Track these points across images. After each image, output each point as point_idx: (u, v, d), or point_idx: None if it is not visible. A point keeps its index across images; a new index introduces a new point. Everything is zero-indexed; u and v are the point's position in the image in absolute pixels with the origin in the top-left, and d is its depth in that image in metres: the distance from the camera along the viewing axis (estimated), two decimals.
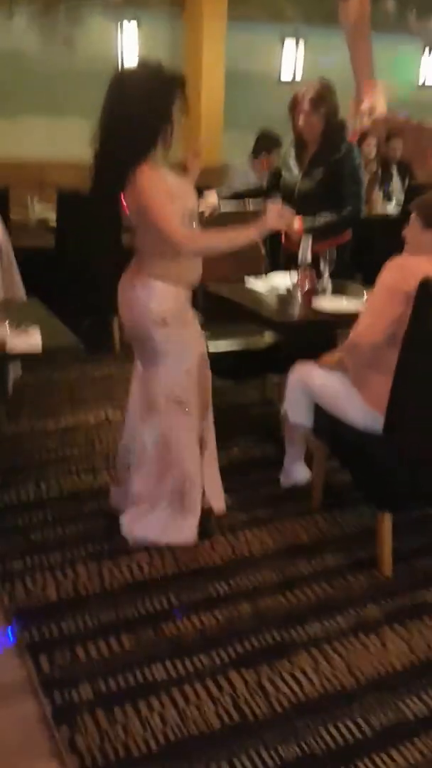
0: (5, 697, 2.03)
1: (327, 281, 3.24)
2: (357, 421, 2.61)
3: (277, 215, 2.47)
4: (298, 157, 3.63)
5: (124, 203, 2.44)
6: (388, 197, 6.07)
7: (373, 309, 2.52)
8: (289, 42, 6.63)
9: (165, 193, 2.39)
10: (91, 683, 2.05)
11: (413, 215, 2.53)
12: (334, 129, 3.50)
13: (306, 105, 3.46)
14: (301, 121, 3.50)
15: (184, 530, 2.66)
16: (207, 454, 2.74)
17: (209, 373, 2.74)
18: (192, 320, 2.64)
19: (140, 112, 2.33)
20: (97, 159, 2.42)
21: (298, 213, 2.84)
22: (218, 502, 2.81)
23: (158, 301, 2.50)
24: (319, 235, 3.31)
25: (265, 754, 1.85)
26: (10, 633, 2.25)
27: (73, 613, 2.31)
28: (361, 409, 2.60)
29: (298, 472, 3.05)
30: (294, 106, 3.53)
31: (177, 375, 2.59)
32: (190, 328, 2.63)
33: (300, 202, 3.43)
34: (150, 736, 1.89)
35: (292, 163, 3.65)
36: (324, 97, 3.47)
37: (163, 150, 2.42)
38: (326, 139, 3.51)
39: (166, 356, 2.57)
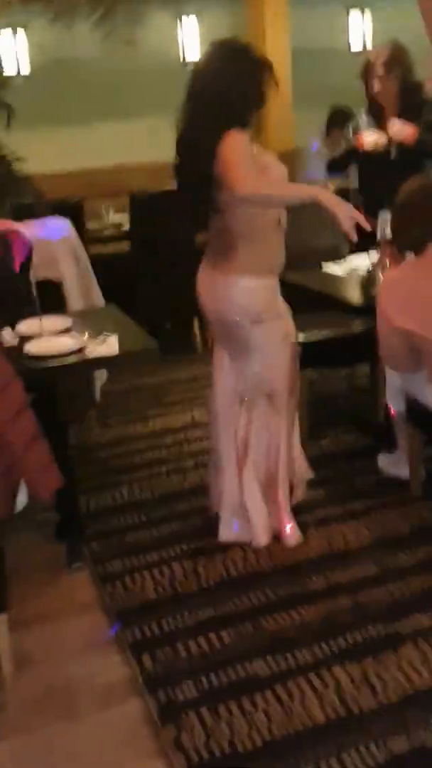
0: (111, 696, 2.14)
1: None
2: None
3: (348, 213, 2.34)
4: (379, 125, 3.57)
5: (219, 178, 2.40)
6: None
7: None
8: (355, 12, 6.57)
9: (247, 154, 2.37)
10: (194, 680, 2.12)
11: None
12: (411, 89, 3.47)
13: (379, 69, 3.43)
14: (376, 87, 3.47)
15: (284, 528, 2.70)
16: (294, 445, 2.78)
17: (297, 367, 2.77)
18: (284, 310, 2.65)
19: (232, 80, 2.37)
20: (184, 139, 2.46)
21: (394, 179, 2.79)
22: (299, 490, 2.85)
23: (249, 298, 2.53)
24: None
25: (374, 748, 1.87)
26: (112, 633, 2.35)
27: (172, 610, 2.40)
28: None
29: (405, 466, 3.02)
30: (366, 71, 3.50)
31: (271, 368, 2.62)
32: (283, 320, 2.64)
33: (396, 167, 3.38)
34: (255, 732, 1.94)
35: (370, 132, 3.60)
36: (397, 58, 3.44)
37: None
38: (405, 101, 3.47)
39: (259, 350, 2.61)
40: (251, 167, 2.36)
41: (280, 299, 2.66)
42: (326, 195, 2.38)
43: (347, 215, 2.33)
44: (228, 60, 2.43)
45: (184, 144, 2.48)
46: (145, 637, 2.31)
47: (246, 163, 2.34)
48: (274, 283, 2.62)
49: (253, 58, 2.45)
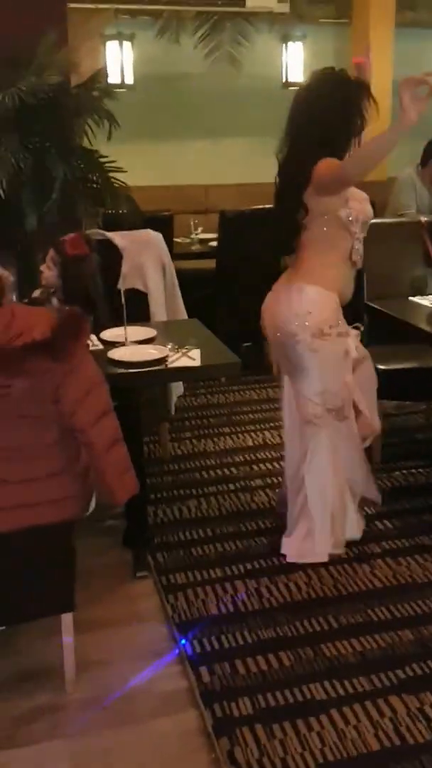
0: (167, 706, 2.22)
1: None
2: None
3: (410, 92, 2.28)
4: None
5: (306, 203, 2.58)
6: None
7: None
8: None
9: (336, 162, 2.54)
10: (251, 698, 2.19)
11: None
12: None
13: None
14: None
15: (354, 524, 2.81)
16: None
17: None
18: (346, 330, 2.73)
19: (336, 117, 2.54)
20: (283, 163, 2.63)
21: None
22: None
23: (312, 307, 2.64)
24: None
25: None
26: (175, 645, 2.44)
27: (233, 627, 2.49)
28: None
29: None
30: None
31: (333, 386, 2.70)
32: (345, 339, 2.72)
33: None
34: (308, 754, 2.00)
35: None
36: None
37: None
38: None
39: (319, 366, 2.69)
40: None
41: (343, 320, 2.73)
42: (402, 123, 2.34)
43: (407, 95, 2.28)
44: (328, 88, 2.58)
45: (283, 171, 2.64)
46: (204, 650, 2.40)
47: (334, 161, 2.50)
48: (338, 302, 2.71)
49: (353, 85, 2.59)
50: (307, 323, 2.65)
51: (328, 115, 2.54)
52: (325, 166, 2.51)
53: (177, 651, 2.42)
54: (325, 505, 2.76)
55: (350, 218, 2.62)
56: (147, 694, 2.26)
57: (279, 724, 2.10)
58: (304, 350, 2.68)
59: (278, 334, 2.74)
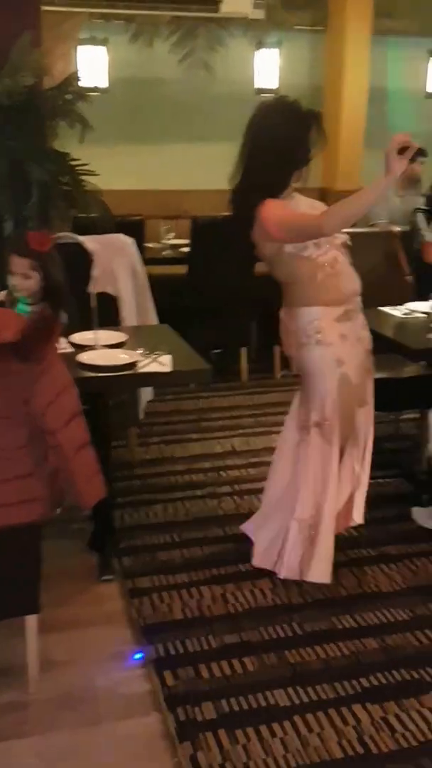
0: (131, 708, 2.25)
1: None
2: None
3: (396, 153, 2.40)
4: None
5: (255, 239, 2.67)
6: None
7: None
8: None
9: (285, 205, 2.64)
10: (214, 702, 2.22)
11: None
12: None
13: None
14: None
15: (317, 567, 2.74)
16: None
17: (365, 397, 2.85)
18: (330, 340, 2.70)
19: (278, 148, 2.58)
20: (235, 195, 2.69)
21: None
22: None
23: (298, 324, 2.71)
24: None
25: None
26: (138, 648, 2.47)
27: (197, 632, 2.52)
28: None
29: None
30: None
31: (315, 396, 2.72)
32: (327, 347, 2.70)
33: None
34: (271, 759, 2.03)
35: None
36: None
37: (297, 182, 2.65)
38: None
39: (305, 376, 2.74)
40: (299, 210, 2.63)
41: (350, 326, 2.74)
42: (388, 172, 2.44)
43: (393, 153, 2.40)
44: (276, 121, 2.62)
45: (234, 204, 2.71)
46: (168, 654, 2.42)
47: (292, 212, 2.62)
48: (338, 311, 2.71)
49: (302, 117, 2.61)
50: (294, 336, 2.74)
51: (275, 148, 2.59)
52: (278, 217, 2.58)
53: (141, 654, 2.44)
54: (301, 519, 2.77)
55: (299, 247, 2.65)
56: (111, 696, 2.29)
57: (242, 729, 2.13)
58: (294, 360, 2.77)
59: (294, 352, 2.80)
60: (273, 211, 2.59)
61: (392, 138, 2.44)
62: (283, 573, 2.75)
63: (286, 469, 2.82)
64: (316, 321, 2.69)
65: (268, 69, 6.30)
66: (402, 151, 2.40)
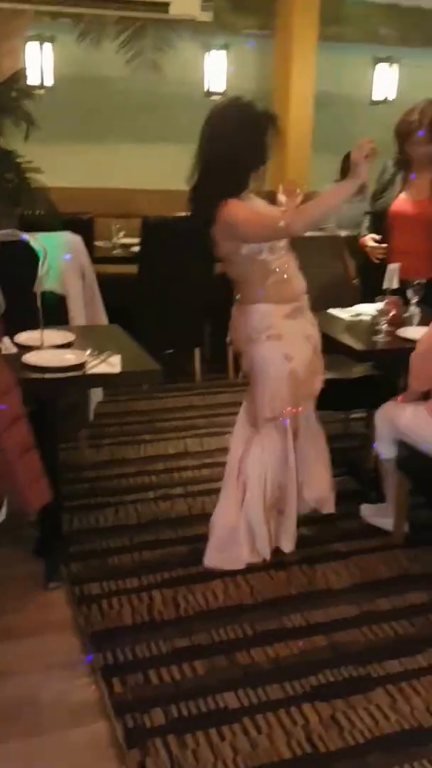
0: (78, 716, 2.18)
1: (415, 309, 3.31)
2: None
3: (360, 154, 2.57)
4: (405, 178, 3.65)
5: (215, 238, 2.65)
6: None
7: None
8: (382, 63, 6.76)
9: (249, 206, 2.66)
10: (163, 708, 2.18)
11: None
12: None
13: (424, 129, 3.49)
14: (415, 146, 3.52)
15: (285, 539, 2.86)
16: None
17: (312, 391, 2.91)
18: (279, 335, 2.75)
19: (235, 149, 2.57)
20: (194, 194, 2.68)
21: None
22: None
23: (247, 320, 2.75)
24: None
25: None
26: (85, 654, 2.41)
27: (148, 637, 2.47)
28: None
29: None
30: (405, 130, 3.55)
31: (267, 391, 2.77)
32: (276, 342, 2.75)
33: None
34: (221, 763, 2.00)
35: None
36: None
37: (254, 182, 2.64)
38: None
39: (256, 372, 2.78)
40: (265, 210, 2.66)
41: (300, 322, 2.79)
42: (354, 173, 2.61)
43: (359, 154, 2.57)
44: (233, 122, 2.60)
45: (193, 204, 2.71)
46: (117, 661, 2.37)
47: (261, 213, 2.66)
48: (289, 308, 2.77)
49: (258, 118, 2.61)
50: (243, 333, 2.78)
51: (232, 149, 2.58)
52: (244, 216, 2.59)
53: (89, 661, 2.39)
54: (250, 509, 2.80)
55: (254, 249, 2.67)
56: (57, 705, 2.22)
57: (191, 733, 2.09)
58: (245, 356, 2.81)
59: (243, 348, 2.84)
60: (239, 210, 2.60)
61: (359, 143, 2.55)
62: (254, 558, 2.82)
63: (244, 466, 2.83)
64: (267, 317, 2.74)
65: (215, 72, 6.28)
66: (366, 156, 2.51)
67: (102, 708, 2.21)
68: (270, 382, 2.76)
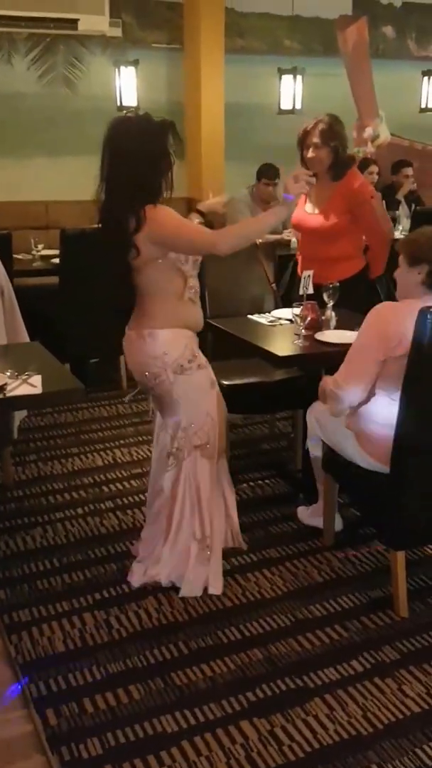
0: (11, 753, 2.01)
1: (331, 313, 3.24)
2: (362, 463, 2.61)
3: (294, 181, 2.55)
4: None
5: (138, 246, 2.47)
6: (394, 224, 6.09)
7: (357, 358, 2.52)
8: (287, 74, 6.73)
9: (183, 220, 2.52)
10: (99, 737, 2.03)
11: (400, 256, 2.52)
12: (342, 163, 3.55)
13: (316, 139, 3.49)
14: (310, 155, 3.51)
15: (209, 578, 2.65)
16: (229, 495, 2.77)
17: (225, 414, 2.78)
18: (205, 361, 2.66)
19: (144, 158, 2.41)
20: (104, 210, 2.49)
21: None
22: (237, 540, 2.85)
23: (168, 348, 2.54)
24: None
25: None
26: (16, 687, 2.23)
27: (81, 664, 2.30)
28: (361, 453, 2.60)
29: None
30: (303, 140, 3.55)
31: (198, 419, 2.61)
32: (205, 370, 2.65)
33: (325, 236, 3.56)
34: None
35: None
36: (334, 130, 3.51)
37: (167, 191, 2.49)
38: (335, 173, 3.55)
39: (185, 401, 2.59)
40: (197, 227, 2.54)
41: (200, 352, 2.66)
42: (284, 209, 2.60)
43: (291, 181, 2.57)
44: (133, 135, 2.44)
45: (107, 216, 2.51)
46: (50, 691, 2.20)
47: (192, 225, 2.54)
48: (194, 337, 2.64)
49: (156, 127, 2.46)
50: (165, 363, 2.55)
51: (138, 161, 2.43)
52: (175, 222, 2.44)
53: (21, 694, 2.21)
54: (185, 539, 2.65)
55: (181, 259, 2.52)
56: None
57: (129, 761, 1.95)
58: (167, 386, 2.58)
59: (145, 374, 2.62)
60: (169, 216, 2.44)
61: (296, 174, 2.58)
62: (185, 592, 2.63)
63: (155, 495, 2.70)
64: (189, 345, 2.59)
65: (126, 86, 6.13)
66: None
67: (36, 741, 2.04)
68: (200, 411, 2.61)
